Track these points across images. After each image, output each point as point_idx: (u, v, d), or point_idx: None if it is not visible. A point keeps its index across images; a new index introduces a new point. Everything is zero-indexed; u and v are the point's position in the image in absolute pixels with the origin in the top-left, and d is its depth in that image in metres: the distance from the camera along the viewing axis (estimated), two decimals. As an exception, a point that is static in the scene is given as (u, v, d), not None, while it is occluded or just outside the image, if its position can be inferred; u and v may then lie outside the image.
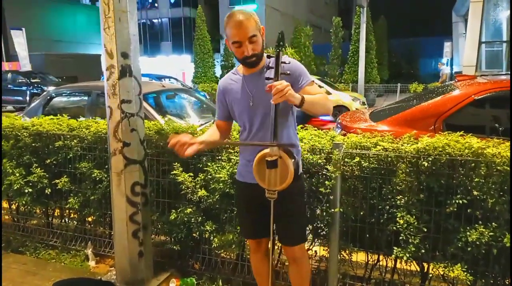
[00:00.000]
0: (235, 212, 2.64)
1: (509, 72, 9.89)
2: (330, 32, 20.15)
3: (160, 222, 2.86)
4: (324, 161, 2.43)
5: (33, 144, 3.26)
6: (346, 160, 2.39)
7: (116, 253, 2.63)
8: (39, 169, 3.20)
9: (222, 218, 2.71)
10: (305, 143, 2.49)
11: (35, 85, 15.95)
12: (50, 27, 25.64)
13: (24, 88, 15.84)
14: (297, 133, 2.11)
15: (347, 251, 2.58)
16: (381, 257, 2.62)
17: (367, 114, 4.03)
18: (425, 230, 2.24)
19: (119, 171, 2.46)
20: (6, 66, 20.13)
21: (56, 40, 25.80)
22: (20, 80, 16.19)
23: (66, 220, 3.55)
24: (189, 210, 2.69)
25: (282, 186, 1.76)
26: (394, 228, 2.30)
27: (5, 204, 3.70)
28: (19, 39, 18.96)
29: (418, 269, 2.51)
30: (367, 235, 2.49)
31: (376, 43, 20.54)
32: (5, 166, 3.25)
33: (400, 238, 2.28)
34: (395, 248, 2.31)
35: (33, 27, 22.69)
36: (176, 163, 2.69)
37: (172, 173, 2.67)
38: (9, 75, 16.70)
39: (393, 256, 2.37)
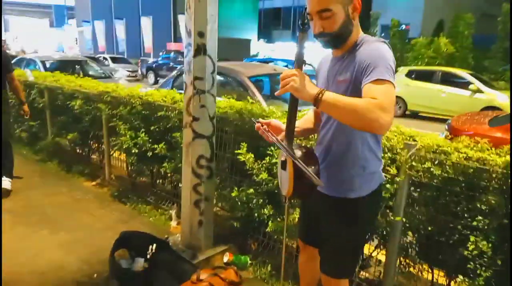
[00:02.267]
0: (292, 201, 2.57)
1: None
2: (498, 21, 17.11)
3: (230, 197, 2.97)
4: (389, 161, 2.15)
5: (143, 111, 3.73)
6: (413, 163, 2.06)
7: (181, 217, 2.86)
8: (144, 133, 3.66)
9: (282, 205, 2.67)
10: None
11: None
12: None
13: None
14: (379, 145, 1.61)
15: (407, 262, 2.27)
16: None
17: (488, 117, 3.36)
18: (500, 262, 1.80)
19: (188, 143, 2.64)
20: (172, 46, 23.25)
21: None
22: (179, 59, 18.50)
23: (164, 182, 3.99)
24: (251, 190, 2.72)
25: (284, 192, 1.53)
26: (465, 252, 1.91)
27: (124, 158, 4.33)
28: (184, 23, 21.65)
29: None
30: (434, 254, 2.14)
31: (562, 36, 16.57)
32: (119, 127, 3.81)
33: (468, 266, 1.89)
34: (460, 276, 1.93)
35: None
36: (244, 143, 2.74)
37: (236, 151, 2.73)
38: (172, 54, 19.21)
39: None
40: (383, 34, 20.70)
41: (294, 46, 1.47)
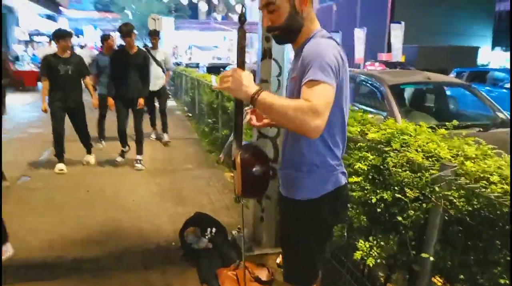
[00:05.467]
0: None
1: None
2: None
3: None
4: (418, 180, 1.76)
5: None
6: (436, 188, 1.63)
7: (249, 212, 3.05)
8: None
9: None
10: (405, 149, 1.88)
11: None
12: (433, 19, 25.90)
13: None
14: (331, 149, 1.46)
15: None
16: None
17: None
18: None
19: (253, 142, 2.82)
20: (384, 57, 22.77)
21: (436, 32, 25.99)
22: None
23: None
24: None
25: (237, 192, 1.57)
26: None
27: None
28: (396, 32, 20.83)
29: None
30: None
31: None
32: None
33: None
34: None
35: (417, 20, 24.04)
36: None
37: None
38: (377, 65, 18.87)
39: None
40: None
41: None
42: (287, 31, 1.45)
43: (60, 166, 4.84)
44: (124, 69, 4.88)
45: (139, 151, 5.17)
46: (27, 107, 9.73)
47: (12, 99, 9.90)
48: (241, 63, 1.44)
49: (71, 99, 4.76)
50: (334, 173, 1.50)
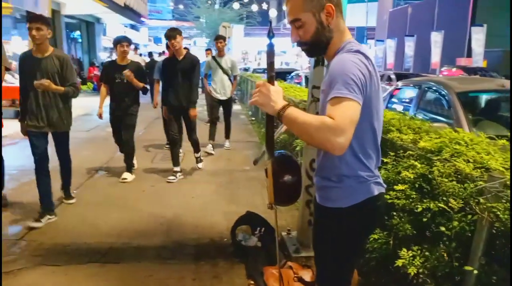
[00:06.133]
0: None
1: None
2: None
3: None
4: (463, 190, 1.72)
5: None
6: (481, 200, 1.58)
7: (298, 215, 3.11)
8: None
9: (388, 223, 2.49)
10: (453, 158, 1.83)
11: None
12: (521, 21, 23.63)
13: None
14: (362, 161, 1.45)
15: None
16: None
17: None
18: None
19: (305, 146, 2.89)
20: (462, 61, 21.27)
21: (525, 35, 23.60)
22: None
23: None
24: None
25: (269, 200, 1.60)
26: None
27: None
28: (478, 36, 19.41)
29: None
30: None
31: None
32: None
33: None
34: None
35: (501, 22, 22.11)
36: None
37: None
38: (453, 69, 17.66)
39: None
40: None
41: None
42: (315, 46, 1.47)
43: (131, 163, 5.28)
44: (172, 76, 4.71)
45: (196, 150, 5.20)
46: (106, 109, 10.70)
47: (95, 100, 10.92)
48: (270, 78, 1.44)
49: (122, 107, 4.69)
50: (366, 184, 1.48)
